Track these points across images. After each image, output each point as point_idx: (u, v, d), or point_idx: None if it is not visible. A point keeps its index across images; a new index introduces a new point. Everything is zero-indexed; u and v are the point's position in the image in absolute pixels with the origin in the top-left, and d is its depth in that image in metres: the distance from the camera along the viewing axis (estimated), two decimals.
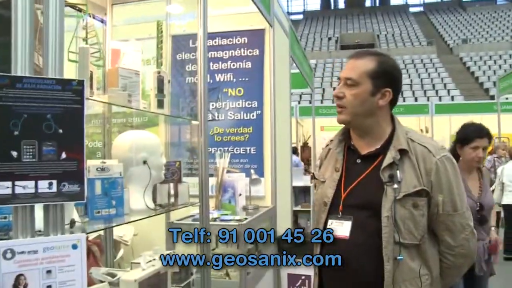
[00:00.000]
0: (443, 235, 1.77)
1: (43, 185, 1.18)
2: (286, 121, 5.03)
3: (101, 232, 2.51)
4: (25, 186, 1.13)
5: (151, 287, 1.69)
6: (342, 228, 1.76)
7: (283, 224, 4.54)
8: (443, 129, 16.27)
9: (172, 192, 2.10)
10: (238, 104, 4.18)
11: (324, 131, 15.12)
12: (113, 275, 1.71)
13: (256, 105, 4.16)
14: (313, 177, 2.01)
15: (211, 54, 4.24)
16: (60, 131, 1.21)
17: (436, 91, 22.97)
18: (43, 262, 1.18)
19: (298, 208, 8.22)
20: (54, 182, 1.20)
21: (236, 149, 4.16)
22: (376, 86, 1.75)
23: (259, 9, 3.73)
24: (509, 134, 12.02)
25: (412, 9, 46.42)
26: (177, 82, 4.19)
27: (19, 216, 1.15)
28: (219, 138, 4.16)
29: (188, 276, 2.07)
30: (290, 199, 5.19)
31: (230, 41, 4.24)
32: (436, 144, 1.81)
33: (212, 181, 3.82)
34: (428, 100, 20.53)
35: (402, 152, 1.74)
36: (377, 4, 49.69)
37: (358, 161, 1.82)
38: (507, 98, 13.80)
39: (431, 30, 37.80)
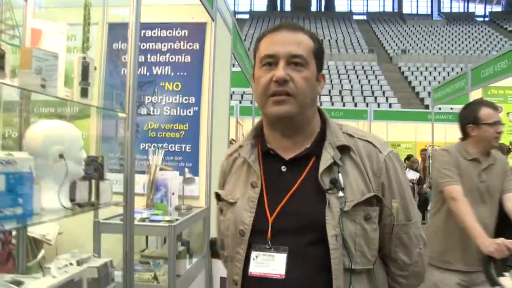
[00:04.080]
0: (397, 252, 1.40)
1: None
2: (224, 120, 4.92)
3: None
4: None
5: None
6: (273, 263, 1.29)
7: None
8: (380, 135, 16.67)
9: (93, 190, 1.91)
10: (175, 99, 4.02)
11: None
12: (19, 283, 1.52)
13: (193, 101, 4.01)
14: (218, 198, 1.51)
15: (149, 45, 4.06)
16: None
17: (375, 98, 23.61)
18: None
19: None
20: None
21: (171, 146, 4.00)
22: (318, 68, 1.38)
23: (201, 1, 3.58)
24: (442, 142, 12.50)
25: (355, 17, 47.58)
26: (112, 73, 3.97)
27: None
28: (153, 134, 3.98)
29: (108, 282, 1.90)
30: None
31: (169, 33, 4.07)
32: (380, 138, 1.45)
33: (145, 178, 3.65)
34: (367, 106, 21.06)
35: (342, 150, 1.35)
36: (322, 9, 50.57)
37: (283, 169, 1.37)
38: (440, 108, 14.38)
39: (372, 39, 38.89)
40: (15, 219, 1.36)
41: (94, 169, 1.94)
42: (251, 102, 18.85)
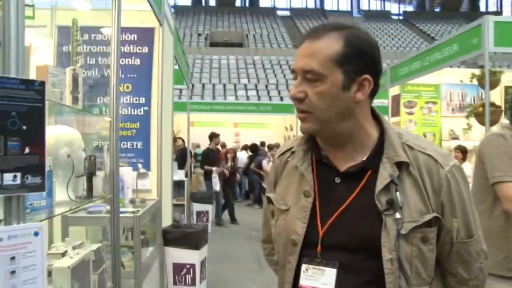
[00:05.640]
0: (456, 267, 1.34)
1: (8, 177, 1.25)
2: (168, 117, 5.19)
3: None
4: None
5: (79, 274, 1.78)
6: (323, 278, 1.25)
7: (166, 216, 4.71)
8: None
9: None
10: (126, 100, 4.27)
11: (194, 126, 15.43)
12: None
13: (143, 102, 4.29)
14: (269, 201, 1.48)
15: (100, 48, 4.26)
16: (24, 127, 1.29)
17: None
18: (7, 250, 1.26)
19: (173, 201, 8.40)
20: (18, 174, 1.28)
21: (123, 144, 4.25)
22: (349, 76, 1.23)
23: (152, 8, 3.84)
24: None
25: (279, 13, 48.51)
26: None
27: None
28: (106, 132, 4.19)
29: (102, 263, 2.17)
30: (171, 192, 5.37)
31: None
32: (440, 150, 1.34)
33: (101, 174, 3.87)
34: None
35: (401, 166, 1.26)
36: (247, 4, 51.12)
37: (337, 180, 1.31)
38: None
39: (296, 34, 39.85)
40: (41, 210, 1.63)
41: (88, 167, 2.20)
42: (179, 98, 19.01)
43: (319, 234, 1.27)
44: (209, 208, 9.03)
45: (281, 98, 22.84)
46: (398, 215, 1.21)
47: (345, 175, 1.30)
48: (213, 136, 10.65)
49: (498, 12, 49.20)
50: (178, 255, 4.30)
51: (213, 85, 24.57)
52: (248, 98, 22.28)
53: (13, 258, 1.26)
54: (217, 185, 9.72)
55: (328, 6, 53.32)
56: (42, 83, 1.35)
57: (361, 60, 1.24)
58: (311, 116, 1.25)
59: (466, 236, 1.31)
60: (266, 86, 25.04)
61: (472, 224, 1.32)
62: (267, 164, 8.28)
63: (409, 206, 1.23)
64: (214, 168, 9.94)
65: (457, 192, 1.28)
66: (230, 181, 10.99)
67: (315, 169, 1.34)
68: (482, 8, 52.62)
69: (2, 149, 1.24)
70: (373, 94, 1.29)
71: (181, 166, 8.49)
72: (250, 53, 31.26)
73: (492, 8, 52.51)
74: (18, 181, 1.27)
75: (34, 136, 1.32)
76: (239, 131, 18.30)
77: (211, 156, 10.23)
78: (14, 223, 1.27)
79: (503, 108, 7.04)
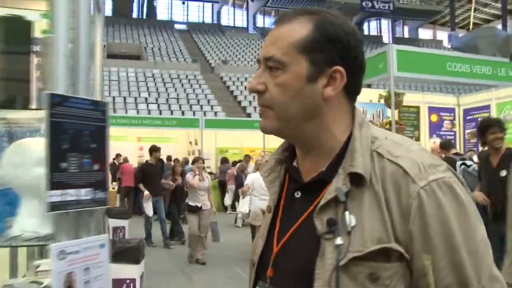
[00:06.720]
0: None
1: (83, 192, 1.31)
2: None
3: None
4: (72, 194, 1.26)
5: None
6: None
7: None
8: (210, 142, 17.95)
9: None
10: None
11: (112, 140, 14.99)
12: (39, 283, 1.77)
13: None
14: None
15: None
16: (93, 145, 1.35)
17: (201, 106, 24.61)
18: (83, 261, 1.31)
19: None
20: (90, 190, 1.34)
21: None
22: (317, 65, 1.03)
23: None
24: (272, 148, 13.83)
25: (177, 26, 48.45)
26: None
27: (64, 221, 1.25)
28: None
29: None
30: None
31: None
32: (425, 158, 1.00)
33: None
34: (194, 114, 21.92)
35: (360, 179, 0.99)
36: (144, 16, 50.48)
37: (297, 194, 1.10)
38: None
39: (194, 48, 40.12)
40: None
41: None
42: None
43: (272, 255, 1.08)
44: (125, 223, 8.82)
45: (183, 113, 22.88)
46: (339, 241, 0.94)
47: (305, 189, 1.09)
48: (153, 150, 9.80)
49: (380, 37, 53.43)
50: (118, 270, 4.26)
51: (113, 98, 23.95)
52: (149, 112, 22.02)
53: (87, 269, 1.32)
54: (149, 211, 9.28)
55: (224, 21, 54.32)
56: (105, 104, 1.43)
57: (333, 49, 1.03)
58: (271, 111, 1.06)
59: (456, 283, 0.92)
60: (167, 100, 24.93)
61: (469, 268, 0.92)
62: (192, 179, 8.09)
63: (363, 231, 0.95)
64: (146, 193, 9.30)
65: (436, 217, 0.92)
66: (178, 197, 10.06)
67: (287, 180, 1.16)
68: (366, 32, 56.50)
69: (78, 165, 1.30)
70: (351, 91, 1.08)
71: None
72: (149, 66, 30.87)
73: (373, 32, 56.84)
74: (90, 196, 1.33)
75: (100, 153, 1.40)
76: (143, 145, 18.03)
77: (149, 172, 9.47)
78: (84, 236, 1.33)
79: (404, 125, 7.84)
